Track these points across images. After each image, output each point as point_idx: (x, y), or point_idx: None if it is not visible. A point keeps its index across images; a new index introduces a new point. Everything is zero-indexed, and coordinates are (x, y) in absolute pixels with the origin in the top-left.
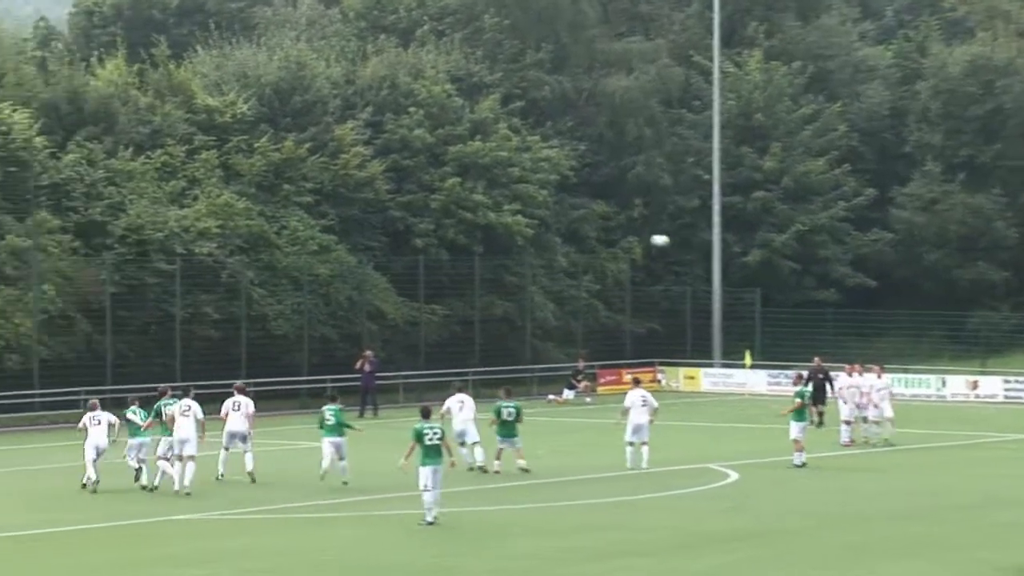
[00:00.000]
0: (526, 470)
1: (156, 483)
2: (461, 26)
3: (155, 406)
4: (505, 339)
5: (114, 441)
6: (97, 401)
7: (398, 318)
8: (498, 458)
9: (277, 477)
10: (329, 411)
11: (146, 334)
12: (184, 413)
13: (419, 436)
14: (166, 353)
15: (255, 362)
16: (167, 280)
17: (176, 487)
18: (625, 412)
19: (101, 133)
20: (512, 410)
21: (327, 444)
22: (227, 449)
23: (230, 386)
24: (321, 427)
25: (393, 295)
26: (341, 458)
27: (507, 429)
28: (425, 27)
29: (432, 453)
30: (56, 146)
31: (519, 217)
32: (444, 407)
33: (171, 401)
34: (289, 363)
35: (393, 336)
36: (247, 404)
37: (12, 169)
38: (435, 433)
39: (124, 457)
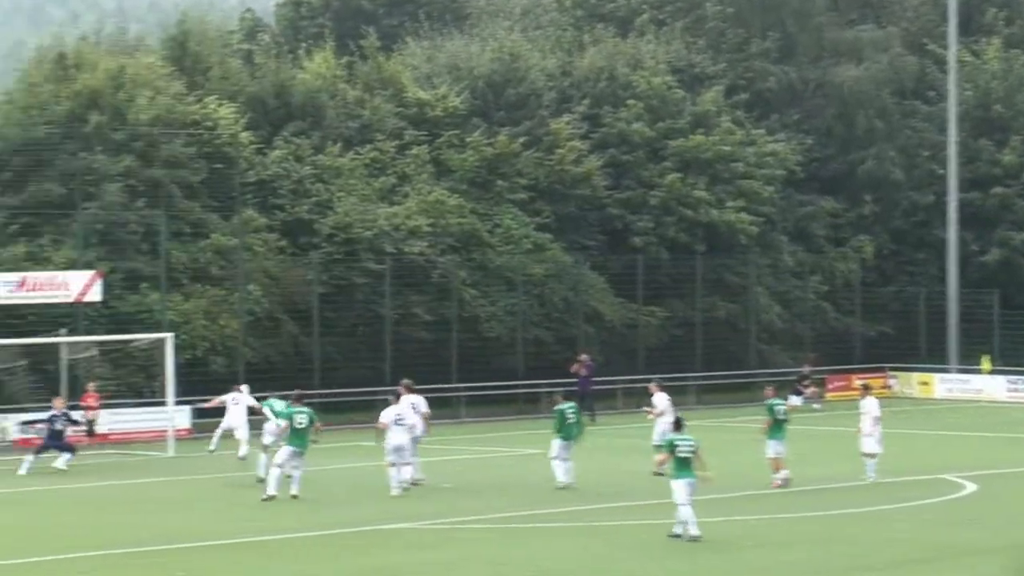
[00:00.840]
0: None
1: (272, 491)
2: (682, 15)
3: (287, 411)
4: (728, 342)
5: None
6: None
7: (615, 320)
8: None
9: (490, 484)
10: (571, 409)
11: (354, 336)
12: (399, 422)
13: (671, 447)
14: (375, 355)
15: (467, 365)
16: (376, 280)
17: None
18: (877, 420)
19: (308, 128)
20: (781, 407)
21: (560, 448)
22: (394, 466)
23: (441, 390)
24: (559, 429)
25: (610, 296)
26: (565, 459)
27: (780, 430)
28: (644, 16)
29: (684, 466)
30: (262, 142)
31: (743, 214)
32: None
33: (302, 410)
34: (502, 367)
35: (610, 339)
36: (420, 403)
37: (218, 165)
38: (688, 446)
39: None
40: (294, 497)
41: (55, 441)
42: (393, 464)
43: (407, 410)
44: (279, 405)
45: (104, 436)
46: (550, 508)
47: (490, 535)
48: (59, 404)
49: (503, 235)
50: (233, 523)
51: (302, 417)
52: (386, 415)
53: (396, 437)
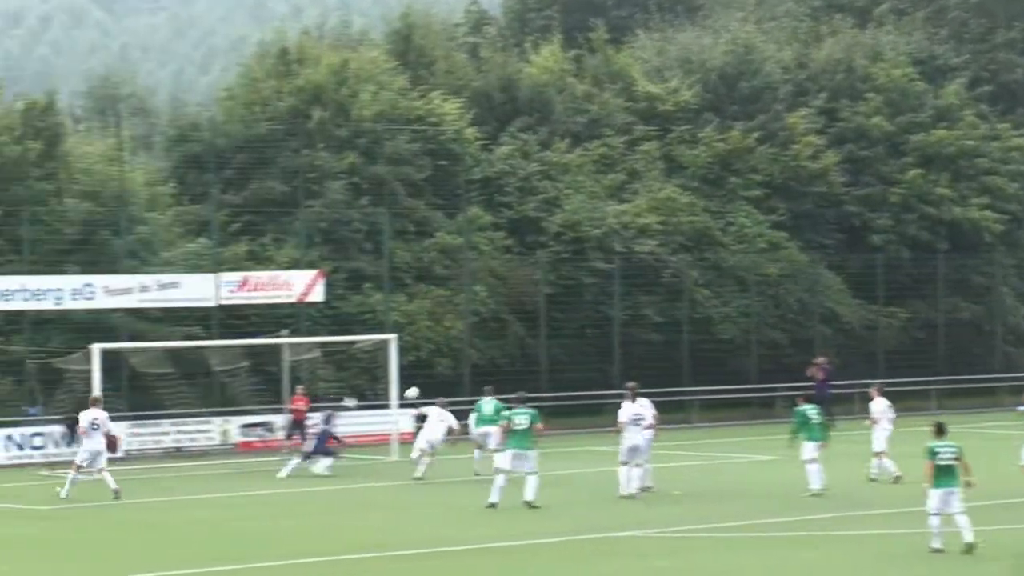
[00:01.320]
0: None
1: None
2: (923, 4)
3: (507, 412)
4: (972, 345)
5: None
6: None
7: (854, 322)
8: None
9: (722, 491)
10: (814, 410)
11: (582, 338)
12: (636, 421)
13: (932, 455)
14: (603, 358)
15: (698, 368)
16: (605, 280)
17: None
18: None
19: (535, 124)
20: None
21: (811, 449)
22: (626, 464)
23: (672, 394)
24: (799, 431)
25: (848, 297)
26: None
27: None
28: (884, 6)
29: (945, 474)
30: (488, 138)
31: (987, 212)
32: None
33: (522, 411)
34: (735, 370)
35: (848, 341)
36: (648, 407)
37: (442, 162)
38: (950, 452)
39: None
40: (529, 505)
41: (320, 446)
42: (625, 463)
43: (646, 409)
44: (488, 408)
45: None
46: (783, 516)
47: (721, 544)
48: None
49: (736, 234)
50: (461, 529)
51: (522, 418)
52: (623, 413)
53: (632, 437)
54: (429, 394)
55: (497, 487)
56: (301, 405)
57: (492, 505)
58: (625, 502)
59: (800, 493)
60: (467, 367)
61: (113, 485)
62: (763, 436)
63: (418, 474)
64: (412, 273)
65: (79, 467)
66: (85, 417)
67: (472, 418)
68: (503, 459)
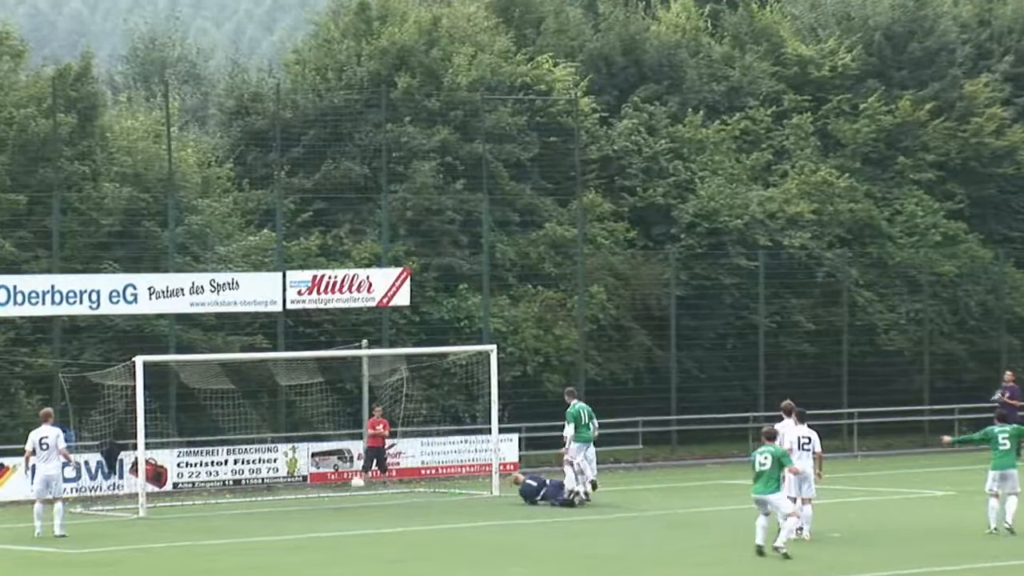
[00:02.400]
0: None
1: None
2: None
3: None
4: None
5: None
6: None
7: None
8: None
9: (887, 532)
10: (1005, 433)
11: (721, 349)
12: (804, 447)
13: None
14: (746, 373)
15: (859, 385)
16: (747, 280)
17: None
18: None
19: (664, 92)
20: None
21: (995, 481)
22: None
23: (827, 416)
24: (980, 442)
25: None
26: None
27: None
28: None
29: None
30: (607, 109)
31: None
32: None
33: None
34: (904, 388)
35: None
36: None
37: (553, 139)
38: None
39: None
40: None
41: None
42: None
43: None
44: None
45: (412, 471)
46: (959, 563)
47: None
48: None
49: (905, 224)
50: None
51: (766, 457)
52: (787, 436)
53: (797, 464)
54: (540, 418)
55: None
56: (380, 429)
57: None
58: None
59: (983, 531)
60: (582, 382)
61: (58, 530)
62: (937, 467)
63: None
64: (516, 272)
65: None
66: (33, 437)
67: (569, 430)
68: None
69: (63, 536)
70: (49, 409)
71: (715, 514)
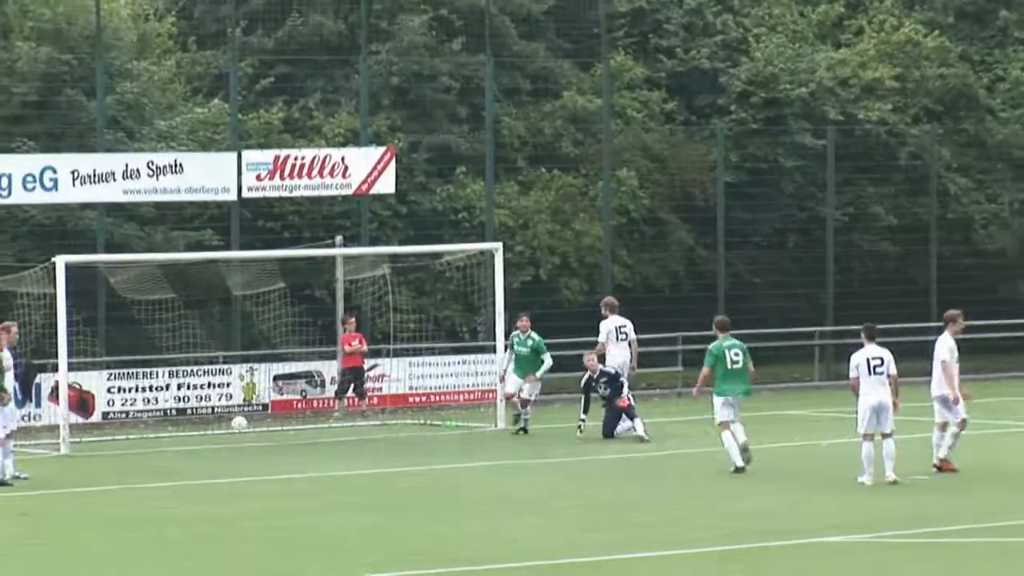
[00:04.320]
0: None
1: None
2: None
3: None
4: None
5: None
6: None
7: None
8: None
9: (997, 474)
10: None
11: (780, 248)
12: (876, 369)
13: None
14: (810, 278)
15: (950, 293)
16: (813, 163)
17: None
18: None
19: None
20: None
21: None
22: (869, 437)
23: (913, 332)
24: None
25: None
26: None
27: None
28: None
29: None
30: None
31: None
32: None
33: (734, 343)
34: (1009, 297)
35: None
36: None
37: None
38: None
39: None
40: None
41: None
42: (868, 436)
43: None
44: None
45: (397, 398)
46: None
47: (996, 552)
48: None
49: (1008, 94)
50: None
51: (736, 353)
52: (858, 361)
53: (873, 393)
54: (556, 333)
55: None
56: (357, 345)
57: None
58: (861, 489)
59: None
60: (608, 289)
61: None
62: None
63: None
64: (527, 152)
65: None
66: None
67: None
68: (723, 412)
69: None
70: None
71: (771, 453)
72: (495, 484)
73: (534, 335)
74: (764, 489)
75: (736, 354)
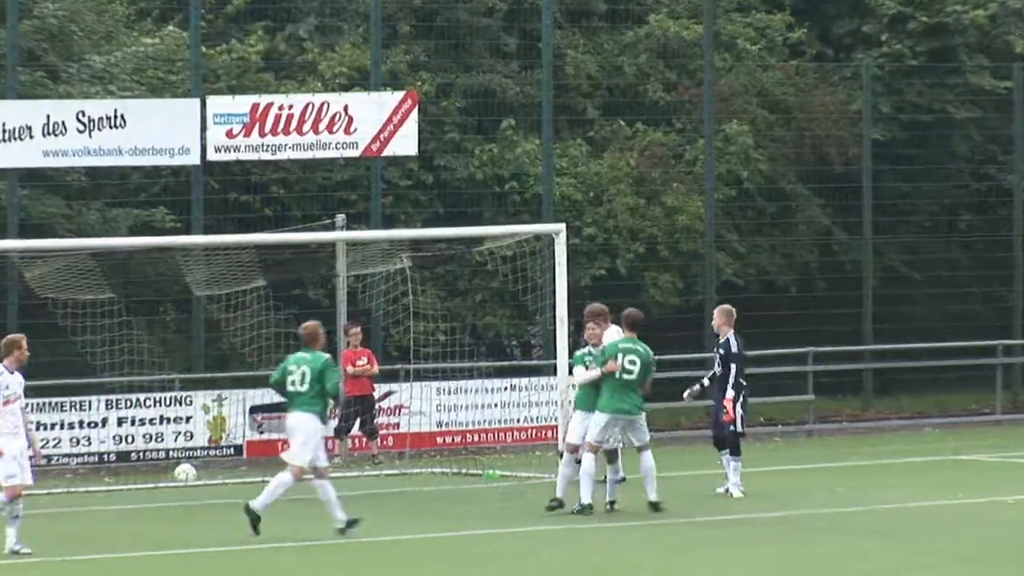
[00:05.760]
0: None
1: None
2: None
3: None
4: None
5: None
6: None
7: None
8: None
9: None
10: None
11: (950, 230)
12: None
13: None
14: (992, 272)
15: None
16: (995, 115)
17: None
18: None
19: None
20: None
21: None
22: None
23: None
24: None
25: None
26: None
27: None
28: None
29: None
30: None
31: None
32: None
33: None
34: None
35: None
36: None
37: None
38: None
39: None
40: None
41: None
42: None
43: None
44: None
45: (421, 438)
46: None
47: None
48: None
49: None
50: None
51: (632, 361)
52: None
53: None
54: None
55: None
56: (366, 365)
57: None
58: None
59: None
60: (711, 285)
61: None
62: None
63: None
64: (598, 99)
65: None
66: None
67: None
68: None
69: None
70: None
71: (935, 513)
72: (552, 555)
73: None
74: (927, 564)
75: (632, 362)
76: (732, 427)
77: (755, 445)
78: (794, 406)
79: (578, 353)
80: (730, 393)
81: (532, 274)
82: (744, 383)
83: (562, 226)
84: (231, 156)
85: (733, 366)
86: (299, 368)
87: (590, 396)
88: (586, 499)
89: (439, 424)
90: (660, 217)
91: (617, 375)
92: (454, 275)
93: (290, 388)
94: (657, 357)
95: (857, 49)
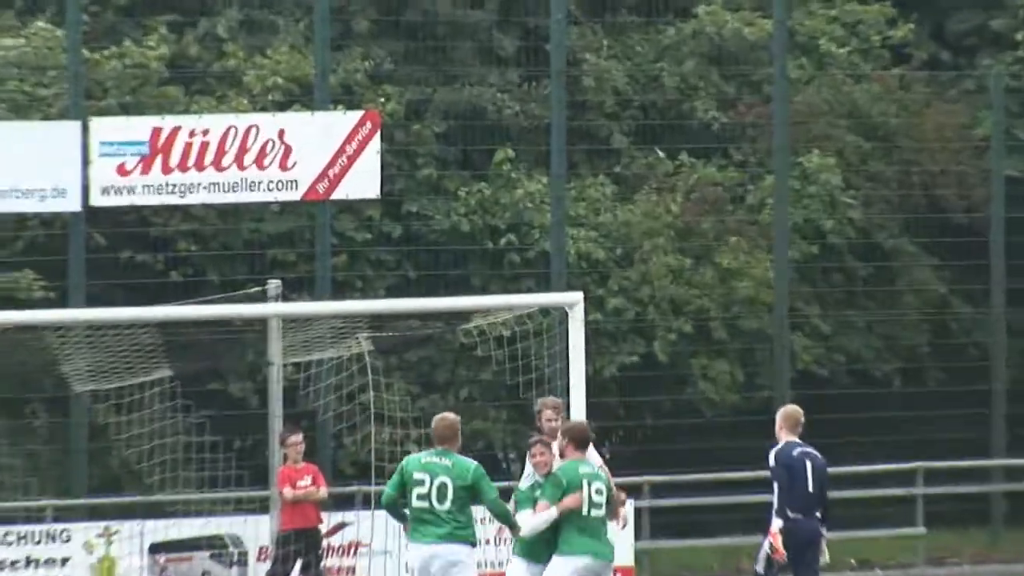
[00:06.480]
0: None
1: None
2: None
3: None
4: None
5: None
6: None
7: None
8: None
9: None
10: None
11: None
12: None
13: None
14: None
15: None
16: None
17: None
18: None
19: None
20: None
21: None
22: None
23: None
24: None
25: None
26: None
27: None
28: None
29: None
30: None
31: None
32: None
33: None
34: None
35: None
36: None
37: None
38: None
39: None
40: None
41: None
42: None
43: None
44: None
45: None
46: None
47: None
48: None
49: None
50: None
51: (598, 490)
52: None
53: None
54: (688, 460)
55: None
56: (310, 487)
57: None
58: None
59: None
60: (783, 385)
61: None
62: None
63: None
64: (630, 119)
65: None
66: None
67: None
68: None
69: None
70: None
71: None
72: None
73: None
74: None
75: (599, 491)
76: (756, 569)
77: None
78: (898, 542)
79: (522, 488)
80: (776, 524)
81: (537, 362)
82: (792, 514)
83: (579, 296)
84: (123, 200)
85: (775, 485)
86: (433, 478)
87: (536, 539)
88: None
89: (408, 569)
90: (713, 284)
91: (586, 509)
92: (430, 363)
93: (416, 503)
94: (712, 476)
95: (983, 52)
